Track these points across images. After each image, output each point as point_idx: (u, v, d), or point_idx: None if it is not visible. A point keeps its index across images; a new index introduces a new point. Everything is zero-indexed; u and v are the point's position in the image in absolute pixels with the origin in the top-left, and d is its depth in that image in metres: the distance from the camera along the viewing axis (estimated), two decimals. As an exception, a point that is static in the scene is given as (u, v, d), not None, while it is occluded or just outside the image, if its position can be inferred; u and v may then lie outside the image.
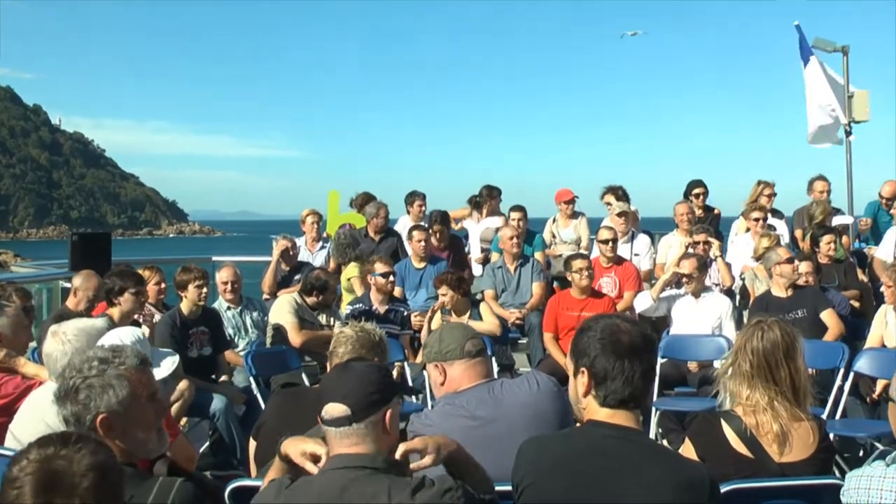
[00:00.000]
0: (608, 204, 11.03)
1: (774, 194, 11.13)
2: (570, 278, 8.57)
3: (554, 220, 11.40)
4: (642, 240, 10.62)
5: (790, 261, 8.19)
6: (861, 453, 7.07)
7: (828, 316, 7.96)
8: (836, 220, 10.62)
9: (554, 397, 3.91)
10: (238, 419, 7.16)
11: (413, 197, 11.81)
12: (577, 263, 8.46)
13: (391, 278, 8.73)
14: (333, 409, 2.91)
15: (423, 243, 9.98)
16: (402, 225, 11.59)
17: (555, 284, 10.32)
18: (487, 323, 8.54)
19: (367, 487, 2.77)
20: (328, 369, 4.21)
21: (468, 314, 8.60)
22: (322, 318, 8.14)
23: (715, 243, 9.56)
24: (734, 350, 3.86)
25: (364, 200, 12.13)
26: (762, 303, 8.12)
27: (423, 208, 11.66)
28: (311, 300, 8.15)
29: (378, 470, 2.83)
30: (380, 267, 8.68)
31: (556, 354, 8.20)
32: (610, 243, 9.52)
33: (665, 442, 7.10)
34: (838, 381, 7.04)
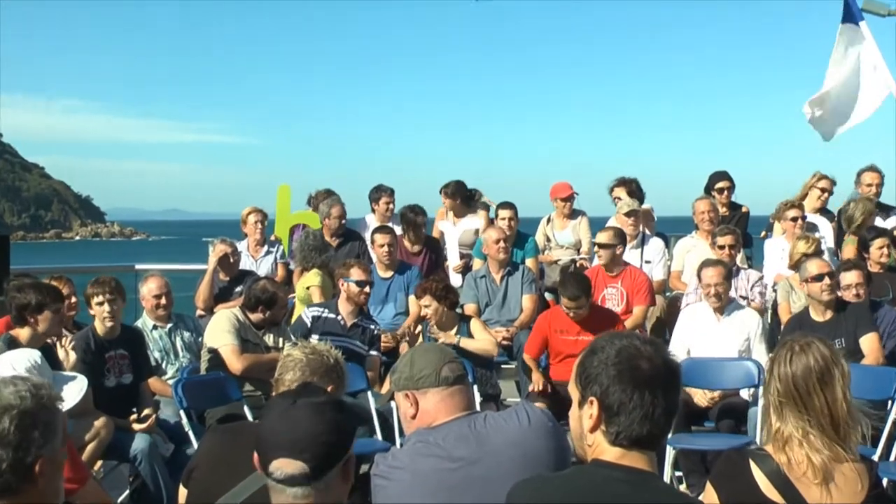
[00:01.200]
0: (618, 199, 11.04)
1: (831, 192, 11.16)
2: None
3: (549, 221, 11.42)
4: (655, 244, 10.64)
5: (820, 277, 7.97)
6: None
7: (868, 342, 7.83)
8: (889, 222, 10.61)
9: (548, 434, 3.86)
10: (165, 462, 7.12)
11: (379, 192, 11.81)
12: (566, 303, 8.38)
13: (366, 289, 8.76)
14: (287, 466, 2.88)
15: (388, 248, 9.97)
16: (366, 226, 11.59)
17: (548, 297, 10.31)
18: (482, 340, 8.57)
19: None
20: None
21: (455, 330, 8.61)
22: (269, 339, 8.09)
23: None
24: (767, 372, 3.88)
25: (325, 199, 12.15)
26: (795, 324, 8.05)
27: (392, 206, 11.67)
28: (255, 317, 8.12)
29: None
30: (356, 273, 8.71)
31: (532, 378, 8.27)
32: (610, 249, 9.50)
33: (683, 487, 7.14)
34: (892, 415, 7.08)
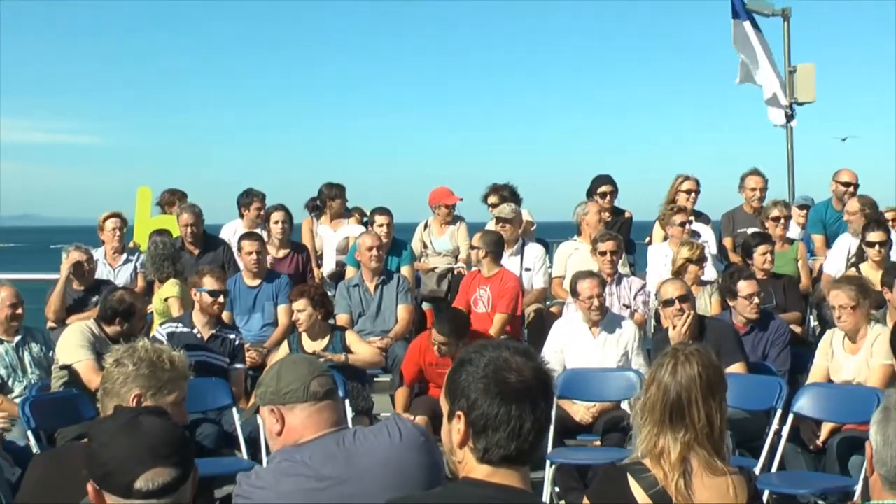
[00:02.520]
0: (493, 206, 11.11)
1: (697, 191, 11.34)
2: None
3: (426, 226, 11.43)
4: (534, 251, 10.66)
5: (670, 302, 8.08)
6: (803, 515, 7.25)
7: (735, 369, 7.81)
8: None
9: (420, 450, 3.86)
10: (10, 487, 6.95)
11: (250, 197, 11.71)
12: (436, 337, 8.30)
13: (220, 299, 8.64)
14: (159, 476, 2.84)
15: (256, 255, 9.89)
16: (231, 232, 11.48)
17: (425, 307, 10.32)
18: (365, 352, 8.54)
19: None
20: (103, 415, 4.08)
21: (327, 340, 8.58)
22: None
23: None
24: (644, 385, 3.93)
25: (169, 200, 12.00)
26: (658, 347, 7.94)
27: (262, 212, 11.56)
28: (111, 329, 7.97)
29: None
30: (208, 282, 8.57)
31: (398, 407, 8.33)
32: (479, 251, 9.60)
33: (563, 503, 7.21)
34: (774, 425, 7.25)
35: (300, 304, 8.52)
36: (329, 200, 11.58)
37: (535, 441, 2.90)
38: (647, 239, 11.48)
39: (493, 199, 11.29)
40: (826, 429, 7.36)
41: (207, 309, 8.53)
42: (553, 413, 7.46)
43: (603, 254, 9.57)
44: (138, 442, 2.86)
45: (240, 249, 10.16)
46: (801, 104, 13.54)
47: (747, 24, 13.46)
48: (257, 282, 9.95)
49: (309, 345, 8.57)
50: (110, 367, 4.23)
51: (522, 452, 2.88)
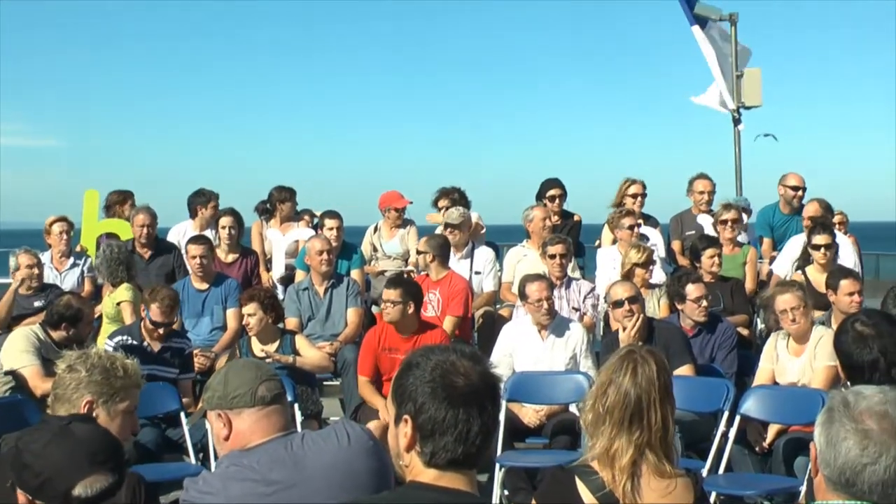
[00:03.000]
0: (441, 210, 11.14)
1: (644, 195, 11.43)
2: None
3: (376, 230, 11.44)
4: (484, 254, 10.69)
5: (619, 303, 8.18)
6: (750, 515, 7.32)
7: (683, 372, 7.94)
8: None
9: (369, 454, 3.86)
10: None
11: (205, 197, 11.61)
12: (387, 293, 8.48)
13: (161, 330, 8.39)
14: (96, 482, 2.85)
15: (201, 260, 9.84)
16: (180, 233, 11.41)
17: (375, 311, 10.32)
18: (315, 356, 8.53)
19: None
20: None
21: (277, 344, 8.56)
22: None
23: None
24: (598, 387, 3.92)
25: (118, 200, 11.89)
26: (608, 348, 8.05)
27: (216, 214, 11.47)
28: (57, 335, 7.92)
29: None
30: (154, 311, 8.33)
31: (374, 402, 8.22)
32: (425, 255, 9.70)
33: (512, 506, 7.25)
34: (721, 427, 7.31)
35: (250, 307, 8.49)
36: (279, 204, 11.57)
37: (482, 445, 2.89)
38: (597, 242, 11.52)
39: (442, 203, 11.31)
40: (772, 430, 7.45)
41: (149, 333, 8.40)
42: (502, 416, 7.54)
43: (552, 257, 9.62)
44: (74, 449, 2.86)
45: (186, 253, 10.11)
46: (748, 108, 13.65)
47: (696, 29, 13.60)
48: (206, 285, 9.90)
49: (258, 349, 8.55)
50: (62, 373, 4.23)
51: (469, 456, 2.88)
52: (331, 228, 10.53)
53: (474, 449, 2.87)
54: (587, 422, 3.92)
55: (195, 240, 10.12)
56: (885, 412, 2.96)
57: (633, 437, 3.76)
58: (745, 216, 11.44)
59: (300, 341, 8.72)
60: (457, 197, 11.40)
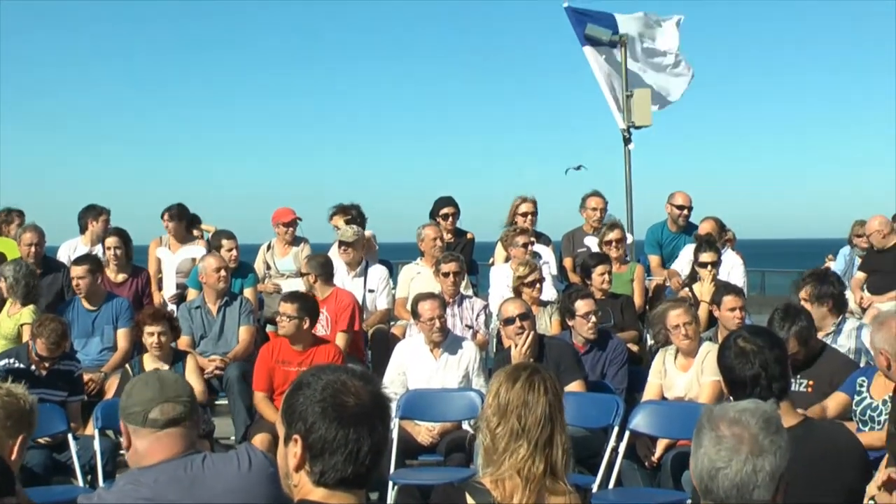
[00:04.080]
0: (336, 228, 11.15)
1: (535, 213, 11.56)
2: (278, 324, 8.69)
3: (269, 248, 11.41)
4: (377, 272, 10.71)
5: (510, 321, 8.23)
6: (639, 528, 7.43)
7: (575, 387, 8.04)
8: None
9: (268, 480, 3.83)
10: None
11: (93, 211, 11.54)
12: (283, 307, 8.54)
13: (46, 364, 8.24)
14: None
15: (79, 281, 9.73)
16: (71, 250, 11.28)
17: (268, 329, 10.29)
18: (195, 387, 8.44)
19: None
20: None
21: (169, 365, 8.49)
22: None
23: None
24: (504, 403, 3.89)
25: (6, 219, 11.72)
26: (500, 364, 7.83)
27: (108, 226, 11.41)
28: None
29: None
30: (40, 346, 8.18)
31: (269, 416, 8.20)
32: (308, 277, 9.74)
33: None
34: (611, 443, 7.43)
35: (159, 326, 8.45)
36: (171, 223, 11.46)
37: (371, 464, 2.92)
38: (491, 260, 11.63)
39: (337, 221, 11.32)
40: (660, 445, 7.57)
41: (34, 363, 8.26)
42: (395, 434, 7.59)
43: (446, 275, 9.68)
44: None
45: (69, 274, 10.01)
46: (638, 128, 13.84)
47: (587, 49, 13.78)
48: (95, 305, 9.79)
49: (151, 367, 8.47)
50: None
51: (359, 476, 2.91)
52: (229, 249, 10.50)
53: (364, 469, 2.90)
54: (491, 440, 3.88)
55: (79, 260, 10.02)
56: (738, 419, 3.09)
57: (528, 455, 3.77)
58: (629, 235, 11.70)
59: (189, 367, 8.64)
60: (354, 214, 11.43)
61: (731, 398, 4.49)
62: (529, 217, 11.43)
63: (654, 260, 11.80)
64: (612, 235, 10.69)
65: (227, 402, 9.31)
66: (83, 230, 11.44)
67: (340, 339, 9.32)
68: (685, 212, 11.76)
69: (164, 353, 8.53)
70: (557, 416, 3.85)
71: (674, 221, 11.80)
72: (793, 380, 6.97)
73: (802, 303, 8.08)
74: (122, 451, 5.31)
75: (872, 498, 5.32)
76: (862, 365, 7.58)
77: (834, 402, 6.69)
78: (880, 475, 5.29)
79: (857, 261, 13.17)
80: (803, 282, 8.49)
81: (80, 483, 7.39)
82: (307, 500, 2.93)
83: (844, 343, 8.09)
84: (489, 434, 3.88)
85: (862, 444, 4.71)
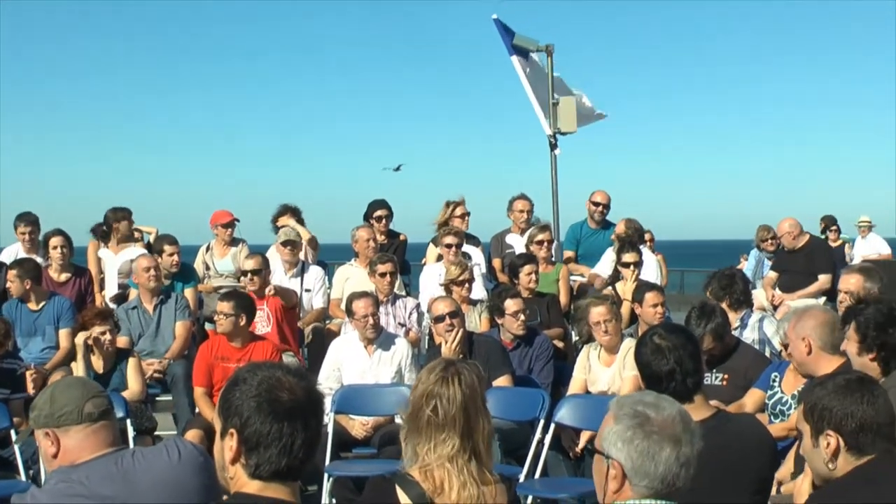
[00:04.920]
0: (283, 226, 11.13)
1: (468, 214, 11.67)
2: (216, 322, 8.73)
3: (208, 249, 11.39)
4: (314, 272, 10.78)
5: (440, 318, 8.32)
6: (563, 516, 7.48)
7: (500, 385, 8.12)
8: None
9: (198, 470, 3.84)
10: None
11: (19, 220, 11.45)
12: (221, 306, 8.56)
13: None
14: None
15: (22, 282, 9.65)
16: (12, 255, 11.19)
17: (207, 327, 10.25)
18: (134, 387, 8.34)
19: None
20: None
21: (112, 366, 8.47)
22: None
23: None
24: (420, 396, 3.92)
25: None
26: (432, 359, 8.14)
27: (34, 236, 11.34)
28: None
29: None
30: None
31: (208, 414, 8.12)
32: (251, 276, 9.74)
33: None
34: (538, 435, 7.45)
35: (104, 327, 8.39)
36: (115, 224, 11.38)
37: (304, 457, 2.96)
38: (423, 260, 11.66)
39: (283, 221, 11.33)
40: (584, 436, 7.63)
41: None
42: (330, 428, 7.59)
43: (382, 275, 9.69)
44: None
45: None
46: (563, 134, 13.93)
47: (515, 59, 13.85)
48: (39, 305, 9.72)
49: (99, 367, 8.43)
50: None
51: (293, 469, 2.94)
52: (171, 254, 10.47)
53: (297, 461, 2.94)
54: (409, 432, 3.92)
55: (17, 264, 10.01)
56: (662, 416, 3.16)
57: (448, 446, 3.79)
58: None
59: (131, 366, 8.55)
60: (300, 216, 11.55)
61: (648, 392, 4.54)
62: (466, 219, 11.56)
63: (567, 254, 11.95)
64: (542, 237, 10.74)
65: (168, 398, 9.27)
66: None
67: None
68: (601, 209, 12.01)
69: (110, 352, 8.44)
70: (473, 407, 3.86)
71: (591, 217, 12.01)
72: (709, 374, 7.16)
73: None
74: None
75: (780, 483, 5.47)
76: (767, 354, 7.99)
77: (751, 399, 6.91)
78: (788, 464, 5.43)
79: (766, 262, 13.54)
80: (709, 282, 8.71)
81: (23, 478, 7.29)
82: (242, 493, 2.97)
83: (749, 335, 8.41)
84: (410, 424, 3.92)
85: (771, 435, 4.82)
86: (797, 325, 5.77)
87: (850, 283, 7.62)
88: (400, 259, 10.94)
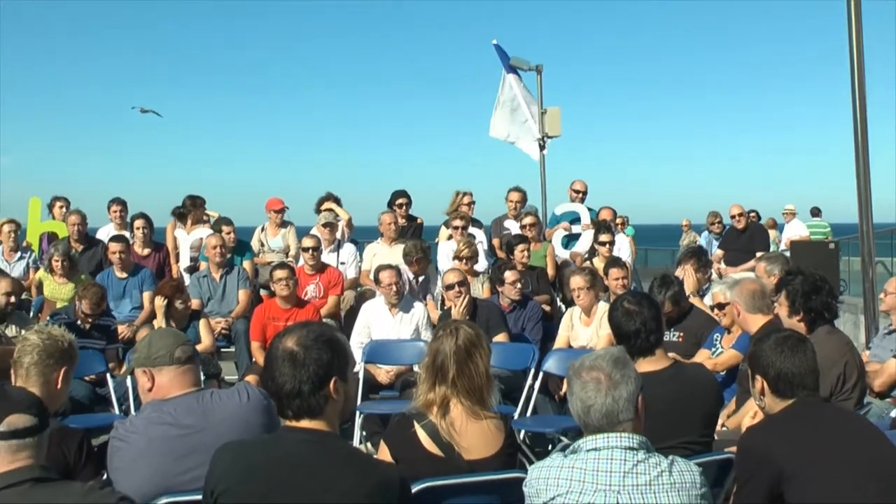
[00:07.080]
0: (329, 211, 11.18)
1: (473, 202, 11.78)
2: (273, 288, 8.81)
3: (263, 229, 11.46)
4: (348, 249, 10.85)
5: (450, 286, 8.39)
6: (550, 447, 7.50)
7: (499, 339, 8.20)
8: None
9: (262, 411, 3.90)
10: None
11: (112, 202, 11.68)
12: (276, 273, 8.67)
13: (90, 319, 8.31)
14: (17, 420, 2.94)
15: (120, 255, 9.81)
16: (106, 234, 11.32)
17: (262, 293, 10.35)
18: (205, 343, 8.40)
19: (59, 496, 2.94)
20: (13, 381, 4.09)
21: (186, 325, 8.51)
22: (11, 331, 7.64)
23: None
24: (430, 349, 4.05)
25: (60, 205, 11.81)
26: (444, 320, 8.10)
27: (124, 215, 11.59)
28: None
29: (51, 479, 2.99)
30: (85, 305, 8.30)
31: (262, 361, 8.18)
32: (311, 251, 9.79)
33: (369, 444, 7.34)
34: (529, 381, 7.55)
35: (183, 295, 8.57)
36: (193, 209, 11.52)
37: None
38: (437, 239, 11.73)
39: (330, 205, 11.38)
40: (566, 382, 7.68)
41: (81, 317, 8.31)
42: (361, 375, 7.70)
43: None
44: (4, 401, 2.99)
45: (107, 250, 10.10)
46: (550, 138, 14.01)
47: (512, 77, 13.95)
48: (125, 275, 9.87)
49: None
50: (22, 342, 4.22)
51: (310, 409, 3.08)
52: (228, 233, 10.57)
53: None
54: (424, 375, 4.01)
55: (114, 239, 10.07)
56: (594, 364, 3.35)
57: (445, 390, 3.90)
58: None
59: (202, 324, 8.62)
60: (339, 203, 11.53)
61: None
62: (472, 206, 11.71)
63: (548, 232, 11.97)
64: (527, 221, 10.82)
65: (231, 350, 9.36)
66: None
67: (332, 301, 9.69)
68: (579, 195, 12.05)
69: (185, 313, 8.53)
70: (466, 356, 3.94)
71: (571, 202, 12.04)
72: (667, 332, 7.24)
73: (687, 269, 8.60)
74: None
75: (724, 425, 5.60)
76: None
77: (699, 358, 6.96)
78: (731, 405, 5.56)
79: (714, 241, 13.71)
80: (687, 258, 8.82)
81: (117, 411, 7.37)
82: (288, 426, 3.14)
83: (709, 301, 8.45)
84: (423, 371, 4.04)
85: (716, 379, 4.98)
86: (730, 294, 6.05)
87: (759, 268, 7.93)
88: (419, 239, 10.97)
